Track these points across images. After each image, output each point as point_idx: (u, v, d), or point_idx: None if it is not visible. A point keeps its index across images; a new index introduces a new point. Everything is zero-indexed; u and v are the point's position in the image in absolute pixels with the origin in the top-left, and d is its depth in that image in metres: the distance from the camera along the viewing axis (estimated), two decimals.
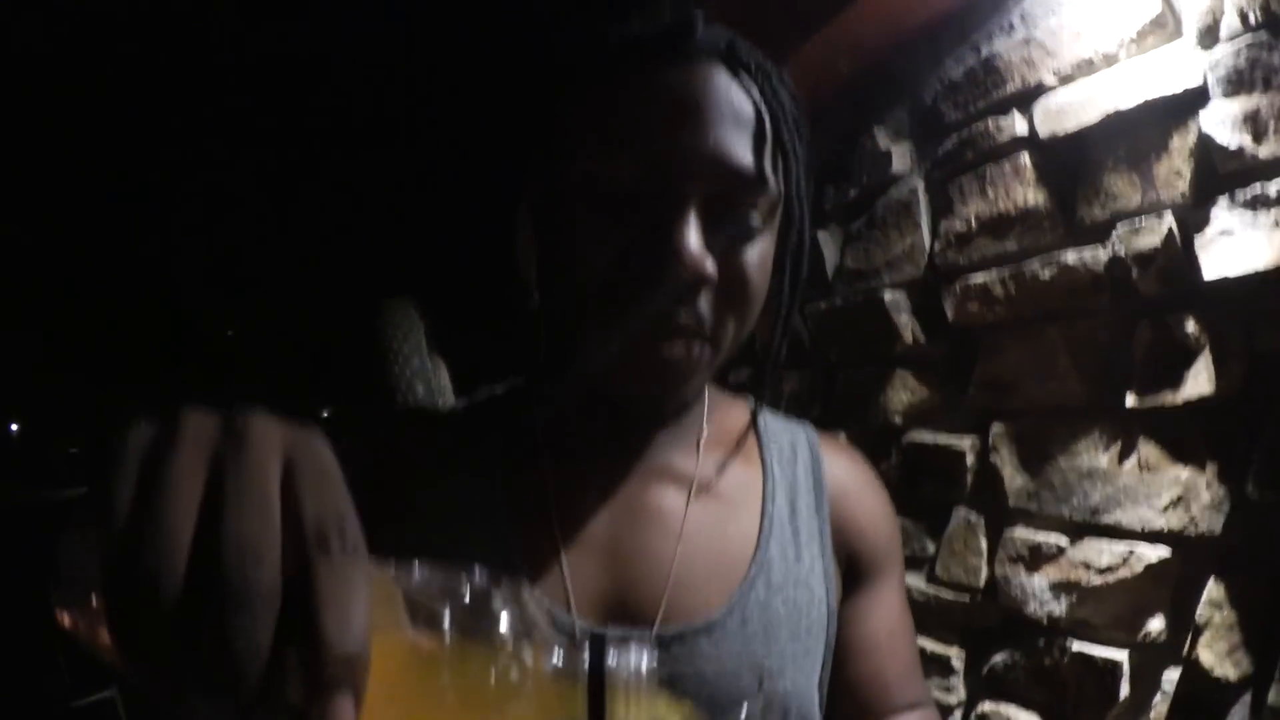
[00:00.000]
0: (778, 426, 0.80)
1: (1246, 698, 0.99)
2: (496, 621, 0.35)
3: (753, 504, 0.73)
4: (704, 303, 0.59)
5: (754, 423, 0.79)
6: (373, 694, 0.30)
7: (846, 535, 0.76)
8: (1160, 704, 1.08)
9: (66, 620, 0.32)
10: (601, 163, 0.58)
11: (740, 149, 0.58)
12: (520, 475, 0.70)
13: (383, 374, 1.48)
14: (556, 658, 0.36)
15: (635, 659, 0.37)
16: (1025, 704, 1.29)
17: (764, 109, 0.61)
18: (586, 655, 0.36)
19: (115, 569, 0.29)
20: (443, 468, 0.71)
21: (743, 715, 0.59)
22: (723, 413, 0.78)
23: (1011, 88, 1.28)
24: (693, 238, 0.56)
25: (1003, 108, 1.30)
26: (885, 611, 0.77)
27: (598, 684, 0.36)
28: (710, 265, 0.58)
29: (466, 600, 0.36)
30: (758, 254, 0.62)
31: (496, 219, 0.73)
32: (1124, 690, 1.12)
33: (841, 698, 0.75)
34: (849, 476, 0.79)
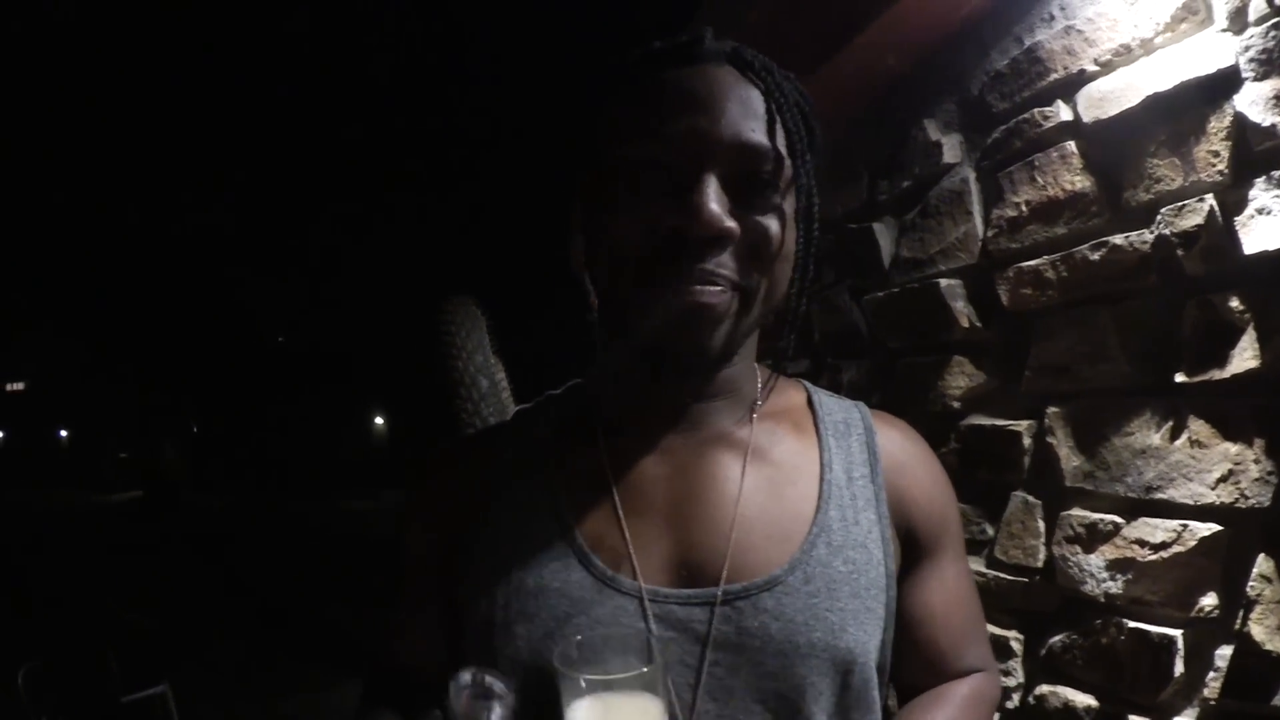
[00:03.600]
0: (832, 404, 0.85)
1: None
2: None
3: (810, 471, 0.78)
4: (729, 256, 0.68)
5: (809, 400, 0.85)
6: None
7: (903, 507, 0.80)
8: (1214, 681, 1.08)
9: None
10: (632, 148, 0.69)
11: (746, 126, 0.68)
12: (576, 453, 0.78)
13: (446, 370, 1.57)
14: None
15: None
16: (1081, 686, 1.30)
17: (767, 96, 0.70)
18: None
19: None
20: (506, 467, 0.80)
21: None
22: (776, 391, 0.83)
23: (1055, 76, 1.31)
24: (711, 199, 0.66)
25: (1047, 96, 1.33)
26: (941, 583, 0.81)
27: None
28: (730, 221, 0.66)
29: None
30: (777, 216, 0.71)
31: (553, 222, 0.84)
32: (1178, 668, 1.12)
33: (905, 663, 0.80)
34: (902, 450, 0.83)
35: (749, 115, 0.69)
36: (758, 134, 0.68)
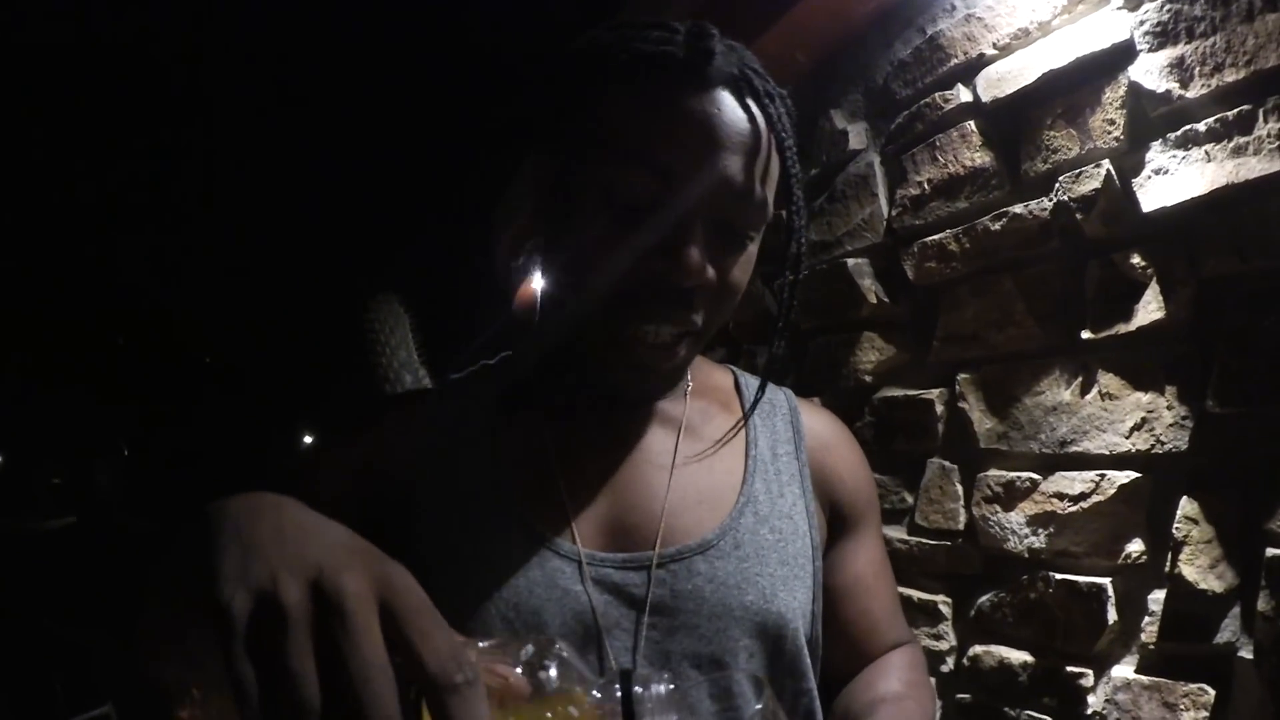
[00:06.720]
0: (756, 386, 0.87)
1: (1236, 609, 1.03)
2: (547, 677, 0.41)
3: (737, 447, 0.81)
4: (697, 304, 0.69)
5: (735, 382, 0.89)
6: None
7: (828, 484, 0.85)
8: (1150, 626, 1.13)
9: None
10: (620, 173, 0.65)
11: (748, 177, 0.66)
12: (516, 424, 0.78)
13: (370, 367, 1.52)
14: (596, 690, 0.42)
15: (657, 688, 0.44)
16: (1014, 643, 1.34)
17: (771, 137, 0.68)
18: (618, 688, 0.42)
19: None
20: (446, 435, 0.77)
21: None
22: (706, 373, 0.87)
23: (955, 62, 1.38)
24: (697, 251, 0.65)
25: (948, 81, 1.40)
26: (869, 556, 0.86)
27: (629, 711, 0.42)
28: (710, 274, 0.67)
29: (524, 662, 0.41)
30: (746, 262, 0.72)
31: (476, 212, 0.80)
32: (1111, 615, 1.17)
33: (835, 640, 0.82)
34: (826, 431, 0.88)
35: (750, 161, 0.66)
36: (755, 187, 0.67)
